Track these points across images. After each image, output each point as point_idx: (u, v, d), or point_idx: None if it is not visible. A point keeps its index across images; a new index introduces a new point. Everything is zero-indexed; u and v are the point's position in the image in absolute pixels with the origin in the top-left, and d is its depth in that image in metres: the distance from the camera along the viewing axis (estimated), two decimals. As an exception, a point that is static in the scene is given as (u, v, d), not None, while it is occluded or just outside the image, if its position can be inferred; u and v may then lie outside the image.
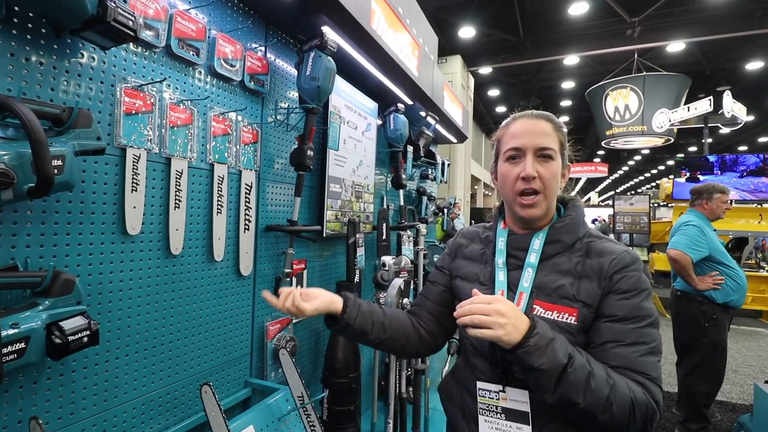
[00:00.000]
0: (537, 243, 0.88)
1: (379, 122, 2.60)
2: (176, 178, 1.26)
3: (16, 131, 0.87)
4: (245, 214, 1.53)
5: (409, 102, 2.66)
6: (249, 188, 1.55)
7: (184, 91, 1.32)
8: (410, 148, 2.93)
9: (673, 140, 9.58)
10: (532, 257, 0.88)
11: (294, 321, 1.80)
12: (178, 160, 1.27)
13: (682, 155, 15.34)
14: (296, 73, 1.69)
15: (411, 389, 2.21)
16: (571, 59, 8.75)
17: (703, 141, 7.95)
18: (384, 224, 2.44)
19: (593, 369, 0.73)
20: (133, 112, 1.13)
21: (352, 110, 2.19)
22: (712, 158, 6.85)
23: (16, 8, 0.89)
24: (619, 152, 15.19)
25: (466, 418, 0.92)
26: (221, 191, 1.43)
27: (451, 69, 8.62)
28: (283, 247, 1.74)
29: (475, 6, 7.25)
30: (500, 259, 0.92)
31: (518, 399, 0.84)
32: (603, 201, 27.25)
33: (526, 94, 11.85)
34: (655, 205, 10.65)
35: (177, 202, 1.26)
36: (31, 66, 0.92)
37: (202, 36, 1.33)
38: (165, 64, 1.25)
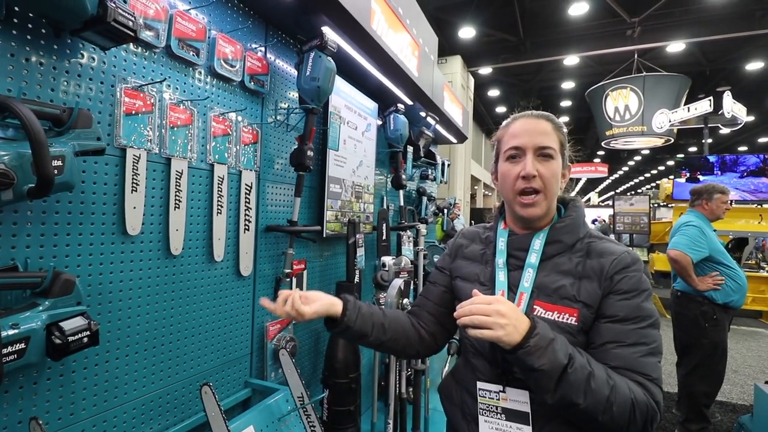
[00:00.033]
0: (538, 243, 0.88)
1: (379, 122, 2.60)
2: (176, 178, 1.26)
3: (16, 131, 0.87)
4: (245, 215, 1.53)
5: (409, 102, 2.66)
6: (249, 188, 1.55)
7: (184, 91, 1.32)
8: (410, 149, 2.94)
9: (673, 140, 9.58)
10: (533, 257, 0.88)
11: (293, 322, 1.80)
12: (178, 160, 1.27)
13: (682, 155, 15.36)
14: (296, 73, 1.69)
15: (411, 389, 2.21)
16: (571, 59, 8.76)
17: (703, 141, 7.96)
18: (384, 224, 2.43)
19: (593, 370, 0.73)
20: (133, 112, 1.13)
21: (352, 110, 2.19)
22: (712, 158, 6.85)
23: (16, 8, 0.89)
24: (619, 152, 15.21)
25: (466, 418, 0.92)
26: (221, 191, 1.43)
27: (451, 69, 8.62)
28: (283, 247, 1.74)
29: (475, 6, 7.25)
30: (501, 260, 0.92)
31: (518, 399, 0.84)
32: (603, 201, 27.25)
33: (526, 95, 11.85)
34: (655, 205, 10.65)
35: (177, 202, 1.26)
36: (31, 66, 0.92)
37: (202, 36, 1.33)
38: (165, 64, 1.25)
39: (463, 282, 0.98)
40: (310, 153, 1.64)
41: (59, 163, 0.84)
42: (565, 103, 13.00)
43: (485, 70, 9.31)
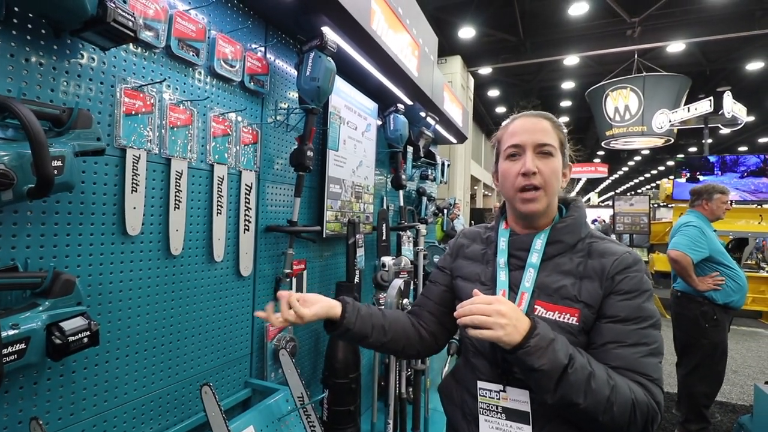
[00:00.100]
0: (539, 243, 0.88)
1: (379, 123, 2.60)
2: (176, 178, 1.26)
3: (16, 132, 0.87)
4: (245, 215, 1.53)
5: (409, 102, 2.66)
6: (249, 189, 1.55)
7: (184, 91, 1.32)
8: (410, 149, 2.94)
9: (673, 141, 9.58)
10: (534, 257, 0.88)
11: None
12: (178, 160, 1.27)
13: (682, 156, 15.37)
14: (296, 73, 1.69)
15: (411, 389, 2.21)
16: (571, 59, 8.76)
17: (703, 141, 7.96)
18: (384, 225, 2.43)
19: (594, 370, 0.73)
20: (133, 112, 1.13)
21: (352, 111, 2.19)
22: (712, 159, 6.85)
23: (16, 8, 0.89)
24: (619, 153, 15.21)
25: (467, 418, 0.92)
26: (221, 192, 1.42)
27: (451, 69, 8.62)
28: (283, 247, 1.74)
29: (475, 6, 7.25)
30: (502, 259, 0.92)
31: (519, 399, 0.84)
32: (603, 201, 27.27)
33: (526, 95, 11.86)
34: (655, 205, 10.65)
35: (177, 202, 1.26)
36: (31, 66, 0.92)
37: (201, 36, 1.33)
38: (165, 64, 1.25)
39: (464, 282, 0.98)
40: (309, 153, 1.64)
41: (59, 163, 0.84)
42: (565, 103, 13.00)
43: (485, 70, 9.31)
